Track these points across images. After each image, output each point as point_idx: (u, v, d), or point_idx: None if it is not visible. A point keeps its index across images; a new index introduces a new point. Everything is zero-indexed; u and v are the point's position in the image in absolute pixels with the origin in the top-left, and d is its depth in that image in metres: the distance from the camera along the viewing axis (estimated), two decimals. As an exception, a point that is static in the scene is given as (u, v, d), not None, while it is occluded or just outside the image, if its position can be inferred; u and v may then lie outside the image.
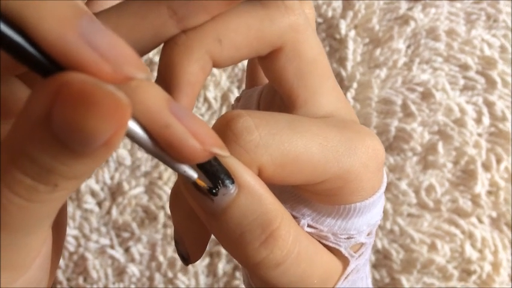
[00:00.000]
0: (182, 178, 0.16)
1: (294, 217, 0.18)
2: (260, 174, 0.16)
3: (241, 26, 0.17)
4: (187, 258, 0.19)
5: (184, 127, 0.14)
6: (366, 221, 0.19)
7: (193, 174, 0.15)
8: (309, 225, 0.19)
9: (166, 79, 0.16)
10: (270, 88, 0.21)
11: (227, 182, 0.15)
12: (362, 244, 0.20)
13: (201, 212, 0.16)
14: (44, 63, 0.11)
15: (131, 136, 0.13)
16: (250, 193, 0.16)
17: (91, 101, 0.10)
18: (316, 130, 0.17)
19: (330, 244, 0.19)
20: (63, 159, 0.11)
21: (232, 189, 0.15)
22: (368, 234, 0.20)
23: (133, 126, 0.13)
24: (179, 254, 0.19)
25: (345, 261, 0.19)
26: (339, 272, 0.19)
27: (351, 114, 0.19)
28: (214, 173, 0.15)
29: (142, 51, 0.16)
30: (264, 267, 0.16)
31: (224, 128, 0.16)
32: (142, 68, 0.12)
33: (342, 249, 0.19)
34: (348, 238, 0.19)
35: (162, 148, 0.14)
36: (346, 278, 0.19)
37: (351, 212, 0.18)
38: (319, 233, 0.19)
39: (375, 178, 0.18)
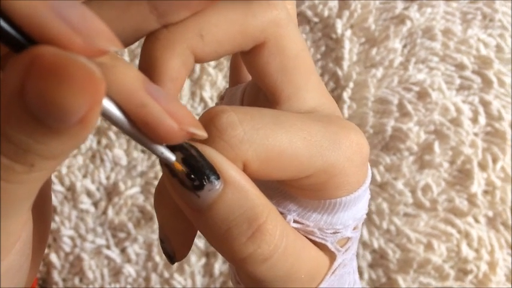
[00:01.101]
0: (164, 171, 0.16)
1: (280, 213, 0.18)
2: (245, 170, 0.16)
3: (223, 21, 0.17)
4: (173, 257, 0.19)
5: (161, 107, 0.14)
6: (351, 215, 0.19)
7: (171, 156, 0.15)
8: (295, 221, 0.19)
9: (148, 74, 0.16)
10: (253, 85, 0.21)
11: (212, 177, 0.15)
12: (348, 239, 0.20)
13: (186, 208, 0.16)
14: (17, 38, 0.11)
15: (108, 116, 0.13)
16: (236, 188, 0.16)
17: (63, 73, 0.10)
18: (300, 125, 0.17)
19: (316, 239, 0.19)
20: (39, 137, 0.11)
21: (217, 184, 0.15)
22: (354, 229, 0.20)
23: (110, 106, 0.13)
24: (165, 253, 0.19)
25: (331, 256, 0.19)
26: (326, 267, 0.19)
27: (335, 109, 0.19)
28: (200, 168, 0.15)
29: (123, 44, 0.16)
30: (251, 263, 0.16)
31: (208, 124, 0.16)
32: (114, 42, 0.12)
33: (329, 244, 0.19)
34: (334, 233, 0.19)
35: (139, 129, 0.14)
36: (333, 272, 0.19)
37: (336, 207, 0.18)
38: (305, 228, 0.19)
39: (359, 172, 0.18)
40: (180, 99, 0.51)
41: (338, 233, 0.19)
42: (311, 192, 0.18)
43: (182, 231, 0.18)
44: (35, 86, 0.10)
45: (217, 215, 0.16)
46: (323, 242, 0.19)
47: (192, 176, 0.15)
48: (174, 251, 0.18)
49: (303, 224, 0.19)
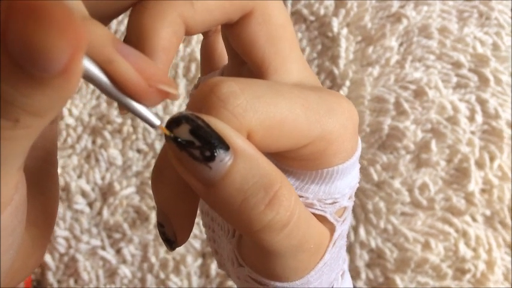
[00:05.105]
0: (171, 146, 0.15)
1: None
2: (249, 139, 0.16)
3: None
4: (174, 241, 0.18)
5: (130, 64, 0.13)
6: (347, 183, 0.19)
7: (155, 120, 0.15)
8: None
9: (138, 45, 0.16)
10: (231, 68, 0.21)
11: (221, 148, 0.15)
12: (345, 208, 0.20)
13: (197, 183, 0.15)
14: None
15: (87, 75, 0.13)
16: (246, 157, 0.15)
17: (42, 10, 0.10)
18: (297, 93, 0.17)
19: (316, 211, 0.19)
20: (23, 88, 0.11)
21: (228, 155, 0.15)
22: (349, 198, 0.20)
23: (90, 65, 0.13)
24: (164, 239, 0.18)
25: (331, 228, 0.19)
26: (328, 238, 0.19)
27: (317, 82, 0.20)
28: (209, 139, 0.15)
29: (108, 16, 0.16)
30: (269, 231, 0.16)
31: (209, 94, 0.15)
32: None
33: (328, 215, 0.19)
34: (332, 203, 0.19)
35: (119, 88, 0.13)
36: (334, 244, 0.19)
37: (334, 175, 0.18)
38: (305, 201, 0.18)
39: (352, 139, 0.18)
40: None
41: (336, 202, 0.19)
42: (309, 162, 0.18)
43: (183, 213, 0.18)
44: (15, 26, 0.10)
45: (231, 185, 0.15)
46: (322, 213, 0.19)
47: (198, 145, 0.15)
48: (176, 234, 0.18)
49: (302, 196, 0.18)
